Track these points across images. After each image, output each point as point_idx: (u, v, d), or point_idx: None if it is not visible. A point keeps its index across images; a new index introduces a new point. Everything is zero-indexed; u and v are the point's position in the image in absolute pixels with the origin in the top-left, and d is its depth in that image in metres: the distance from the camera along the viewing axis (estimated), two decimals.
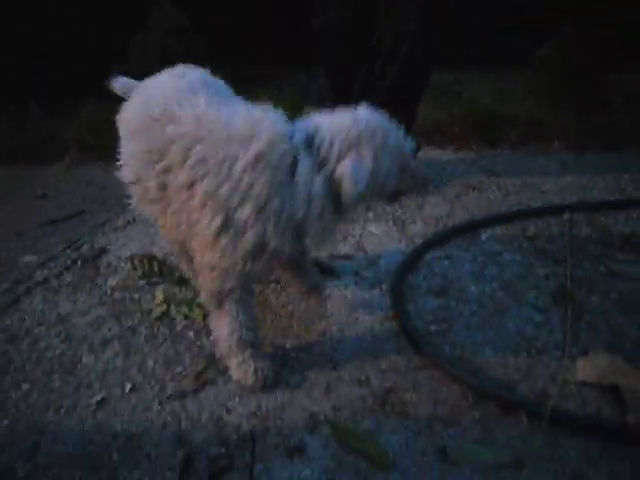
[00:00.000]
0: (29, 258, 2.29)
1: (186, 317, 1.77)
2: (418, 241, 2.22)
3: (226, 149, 1.33)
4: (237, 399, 1.44)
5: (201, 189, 1.34)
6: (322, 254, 2.04)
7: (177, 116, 1.42)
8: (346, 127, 1.37)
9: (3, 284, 2.07)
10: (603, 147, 3.36)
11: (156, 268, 1.97)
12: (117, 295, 1.94)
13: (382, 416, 1.36)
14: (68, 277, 2.09)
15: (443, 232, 2.28)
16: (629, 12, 4.82)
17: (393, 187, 1.45)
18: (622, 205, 2.47)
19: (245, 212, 1.31)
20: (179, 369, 1.56)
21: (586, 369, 1.48)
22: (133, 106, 1.58)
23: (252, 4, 4.89)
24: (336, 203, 1.36)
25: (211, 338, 1.60)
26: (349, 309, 1.80)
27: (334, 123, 1.39)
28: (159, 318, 1.79)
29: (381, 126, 1.41)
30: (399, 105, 2.35)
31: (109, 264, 2.16)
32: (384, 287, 1.91)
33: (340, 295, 1.87)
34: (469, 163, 3.19)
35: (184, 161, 1.38)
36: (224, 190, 1.31)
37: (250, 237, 1.32)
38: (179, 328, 1.74)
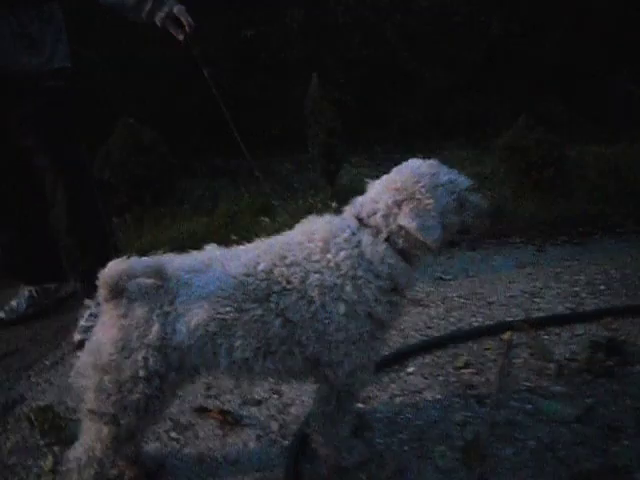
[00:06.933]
0: None
1: None
2: None
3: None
4: None
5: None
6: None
7: None
8: (385, 185, 1.46)
9: None
10: (567, 239, 3.25)
11: (50, 424, 1.88)
12: (12, 460, 1.85)
13: None
14: None
15: None
16: None
17: (456, 225, 1.47)
18: (566, 320, 2.33)
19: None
20: None
21: None
22: None
23: None
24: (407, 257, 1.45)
25: None
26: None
27: (374, 189, 1.49)
28: None
29: (426, 168, 1.45)
30: None
31: (19, 418, 2.08)
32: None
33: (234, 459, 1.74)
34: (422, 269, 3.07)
35: None
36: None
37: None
38: None
